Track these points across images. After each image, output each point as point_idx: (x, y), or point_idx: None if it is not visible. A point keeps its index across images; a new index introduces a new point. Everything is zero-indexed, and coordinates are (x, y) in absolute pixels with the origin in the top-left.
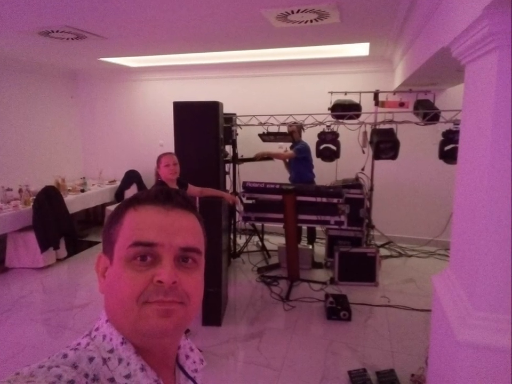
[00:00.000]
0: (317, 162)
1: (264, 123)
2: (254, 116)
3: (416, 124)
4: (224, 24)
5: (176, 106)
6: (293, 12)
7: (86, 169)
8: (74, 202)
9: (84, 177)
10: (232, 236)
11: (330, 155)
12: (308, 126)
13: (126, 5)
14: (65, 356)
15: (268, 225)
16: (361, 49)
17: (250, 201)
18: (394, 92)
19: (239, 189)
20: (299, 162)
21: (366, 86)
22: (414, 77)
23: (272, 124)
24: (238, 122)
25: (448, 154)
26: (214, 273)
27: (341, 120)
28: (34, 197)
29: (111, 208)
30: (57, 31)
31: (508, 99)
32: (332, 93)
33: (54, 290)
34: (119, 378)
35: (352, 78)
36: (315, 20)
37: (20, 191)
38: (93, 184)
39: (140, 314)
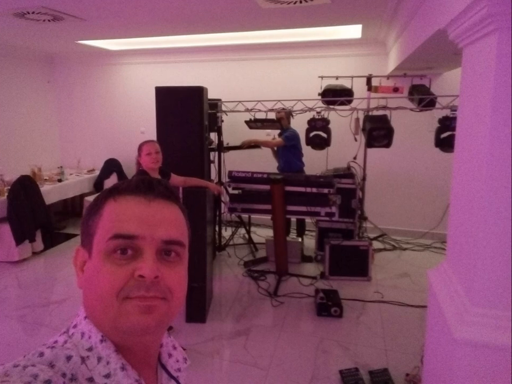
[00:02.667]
0: (306, 150)
1: (251, 109)
2: (240, 101)
3: (411, 110)
4: (208, 5)
5: (159, 92)
6: None
7: (63, 158)
8: (51, 193)
9: (61, 166)
10: (217, 228)
11: (320, 143)
12: (297, 112)
13: None
14: (41, 354)
15: (255, 216)
16: (353, 31)
17: (236, 192)
18: (388, 77)
19: (225, 179)
20: (288, 151)
21: (358, 70)
22: (409, 60)
23: (260, 110)
24: (223, 108)
25: (445, 142)
26: (198, 268)
27: (331, 106)
28: (9, 187)
29: (90, 198)
30: (33, 12)
31: (508, 83)
32: (322, 77)
33: (29, 285)
34: (98, 377)
35: (343, 62)
36: (304, 0)
37: None
38: (71, 174)
39: (120, 310)
